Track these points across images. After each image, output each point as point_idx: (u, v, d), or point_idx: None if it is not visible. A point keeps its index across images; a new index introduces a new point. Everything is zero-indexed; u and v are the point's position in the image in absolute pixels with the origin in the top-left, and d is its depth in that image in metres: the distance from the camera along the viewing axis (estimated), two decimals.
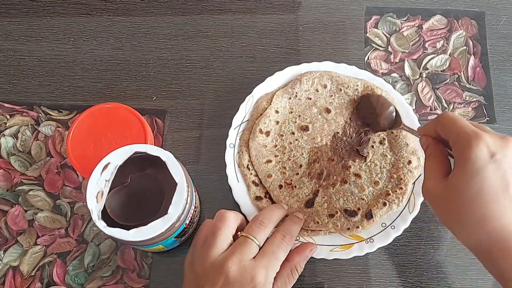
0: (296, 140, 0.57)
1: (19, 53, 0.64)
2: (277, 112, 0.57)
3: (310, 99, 0.58)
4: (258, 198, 0.55)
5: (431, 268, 0.55)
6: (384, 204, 0.53)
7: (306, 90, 0.58)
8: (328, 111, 0.57)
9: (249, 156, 0.56)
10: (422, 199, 0.54)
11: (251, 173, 0.56)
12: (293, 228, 0.50)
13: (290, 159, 0.56)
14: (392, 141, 0.56)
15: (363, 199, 0.54)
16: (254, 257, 0.45)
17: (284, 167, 0.56)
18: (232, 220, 0.46)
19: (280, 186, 0.55)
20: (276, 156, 0.56)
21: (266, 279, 0.44)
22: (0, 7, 0.67)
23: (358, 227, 0.53)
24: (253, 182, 0.56)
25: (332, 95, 0.58)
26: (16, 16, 0.66)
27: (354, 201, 0.54)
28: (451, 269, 0.55)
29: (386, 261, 0.55)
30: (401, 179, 0.54)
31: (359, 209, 0.54)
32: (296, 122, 0.57)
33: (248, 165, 0.56)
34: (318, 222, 0.53)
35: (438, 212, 0.43)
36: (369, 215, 0.53)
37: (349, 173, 0.55)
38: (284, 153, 0.56)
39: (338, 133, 0.57)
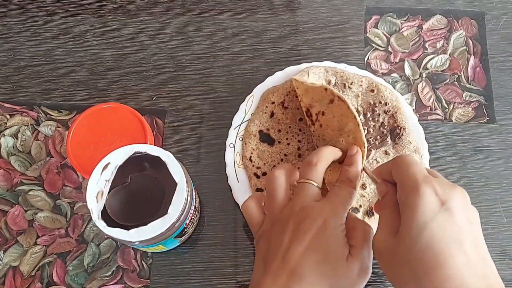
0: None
1: (19, 53, 0.64)
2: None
3: None
4: (258, 190, 0.55)
5: None
6: None
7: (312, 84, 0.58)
8: None
9: (252, 148, 0.56)
10: None
11: (253, 165, 0.56)
12: (352, 170, 0.45)
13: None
14: (396, 138, 0.56)
15: (364, 197, 0.54)
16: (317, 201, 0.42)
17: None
18: (281, 175, 0.44)
19: None
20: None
21: (336, 216, 0.40)
22: (0, 7, 0.67)
23: None
24: (255, 174, 0.56)
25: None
26: (16, 16, 0.66)
27: (355, 199, 0.54)
28: None
29: None
30: None
31: (360, 206, 0.54)
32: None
33: (250, 157, 0.56)
34: None
35: (387, 268, 0.39)
36: (370, 213, 0.53)
37: None
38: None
39: None
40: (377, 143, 0.56)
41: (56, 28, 0.65)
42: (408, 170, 0.38)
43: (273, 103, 0.57)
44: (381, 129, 0.56)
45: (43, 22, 0.66)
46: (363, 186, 0.54)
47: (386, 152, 0.55)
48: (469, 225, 0.37)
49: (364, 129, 0.56)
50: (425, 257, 0.35)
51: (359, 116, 0.56)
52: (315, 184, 0.43)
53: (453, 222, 0.36)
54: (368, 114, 0.57)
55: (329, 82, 0.58)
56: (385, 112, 0.56)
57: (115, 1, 0.67)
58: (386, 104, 0.56)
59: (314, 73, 0.58)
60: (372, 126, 0.56)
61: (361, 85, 0.58)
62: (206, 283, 0.54)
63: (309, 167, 0.44)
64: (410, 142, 0.55)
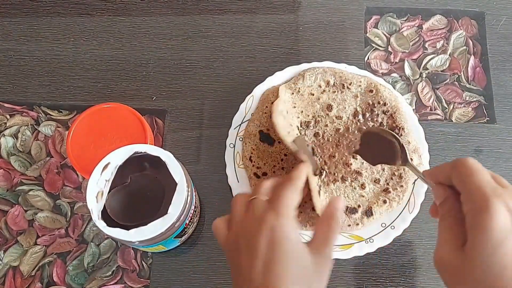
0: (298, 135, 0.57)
1: (19, 53, 0.64)
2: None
3: (313, 94, 0.58)
4: None
5: (431, 268, 0.55)
6: (384, 201, 0.54)
7: (309, 86, 0.58)
8: (330, 107, 0.57)
9: (252, 148, 0.56)
10: (422, 199, 0.54)
11: (253, 165, 0.56)
12: (295, 173, 0.44)
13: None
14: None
15: (363, 196, 0.54)
16: None
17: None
18: (241, 196, 0.44)
19: None
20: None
21: (281, 219, 0.40)
22: (0, 7, 0.67)
23: (358, 224, 0.53)
24: (255, 174, 0.56)
25: (335, 91, 0.58)
26: (16, 16, 0.66)
27: (354, 198, 0.54)
28: None
29: (386, 261, 0.55)
30: (402, 177, 0.54)
31: (359, 206, 0.54)
32: (298, 117, 0.57)
33: (250, 157, 0.56)
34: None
35: (452, 284, 0.37)
36: (369, 213, 0.53)
37: (350, 170, 0.55)
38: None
39: (340, 129, 0.57)
40: None
41: (56, 28, 0.65)
42: (474, 180, 0.36)
43: (273, 103, 0.57)
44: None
45: (43, 22, 0.66)
46: (363, 186, 0.54)
47: None
48: None
49: (363, 129, 0.56)
50: (501, 279, 0.33)
51: (357, 117, 0.56)
52: (262, 198, 0.42)
53: None
54: (367, 114, 0.57)
55: (327, 83, 0.58)
56: (384, 112, 0.57)
57: (115, 1, 0.67)
58: (385, 104, 0.57)
59: (311, 75, 0.58)
60: (371, 126, 0.56)
61: (360, 86, 0.58)
62: (206, 283, 0.54)
63: (256, 187, 0.44)
64: (409, 142, 0.55)
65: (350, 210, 0.53)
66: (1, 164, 0.59)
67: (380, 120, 0.56)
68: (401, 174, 0.54)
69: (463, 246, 0.36)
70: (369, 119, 0.57)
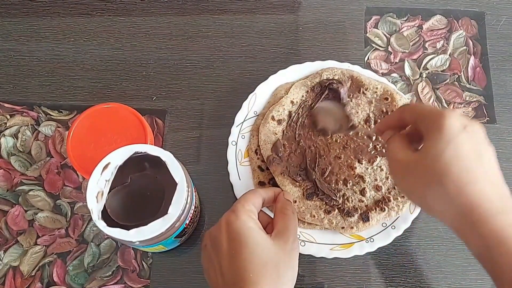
0: (308, 132, 0.57)
1: (19, 53, 0.64)
2: (292, 102, 0.57)
3: None
4: (261, 183, 0.55)
5: (431, 268, 0.55)
6: (383, 209, 0.53)
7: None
8: None
9: (258, 140, 0.56)
10: None
11: (258, 158, 0.56)
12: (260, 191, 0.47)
13: (297, 150, 0.56)
14: None
15: (362, 202, 0.54)
16: None
17: (290, 156, 0.56)
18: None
19: (283, 173, 0.55)
20: (284, 145, 0.56)
21: (236, 212, 0.42)
22: (0, 7, 0.67)
23: (352, 227, 0.53)
24: (259, 167, 0.56)
25: (350, 94, 0.58)
26: (16, 16, 0.66)
27: (353, 202, 0.54)
28: (451, 269, 0.55)
29: (386, 261, 0.55)
30: None
31: (356, 210, 0.54)
32: (310, 115, 0.57)
33: (256, 150, 0.56)
34: (314, 216, 0.53)
35: (410, 180, 0.41)
36: (365, 218, 0.53)
37: (354, 174, 0.55)
38: (292, 143, 0.56)
39: (350, 132, 0.56)
40: (383, 150, 0.55)
41: (56, 28, 0.65)
42: (424, 106, 0.42)
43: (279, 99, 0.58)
44: None
45: (43, 22, 0.66)
46: (363, 191, 0.54)
47: None
48: (487, 146, 0.40)
49: (373, 136, 0.56)
50: (452, 170, 0.37)
51: (368, 123, 0.56)
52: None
53: (474, 141, 0.38)
54: (379, 121, 0.56)
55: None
56: None
57: (115, 1, 0.67)
58: None
59: (328, 75, 0.58)
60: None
61: (375, 92, 0.57)
62: (206, 283, 0.54)
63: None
64: None
65: (347, 213, 0.53)
66: (1, 164, 0.59)
67: None
68: None
69: (413, 151, 0.41)
70: None
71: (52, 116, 0.61)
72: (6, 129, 0.61)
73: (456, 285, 0.55)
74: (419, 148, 0.41)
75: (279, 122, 0.57)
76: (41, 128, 0.61)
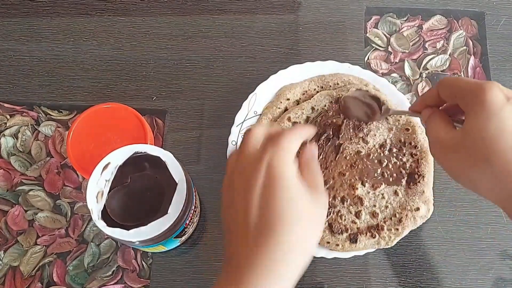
0: (321, 141, 0.55)
1: (19, 53, 0.64)
2: (313, 109, 0.56)
3: None
4: None
5: (431, 268, 0.55)
6: (373, 236, 0.52)
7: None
8: (361, 128, 0.55)
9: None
10: None
11: None
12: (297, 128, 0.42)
13: None
14: (411, 183, 0.54)
15: (355, 223, 0.53)
16: None
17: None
18: (258, 129, 0.40)
19: None
20: None
21: (281, 154, 0.37)
22: (0, 7, 0.67)
23: (338, 245, 0.52)
24: None
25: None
26: (16, 16, 0.66)
27: (346, 221, 0.53)
28: (451, 269, 0.55)
29: (386, 261, 0.55)
30: (402, 221, 0.52)
31: (347, 230, 0.53)
32: (326, 125, 0.55)
33: None
34: None
35: (453, 160, 0.39)
36: (353, 239, 0.52)
37: (353, 194, 0.53)
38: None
39: (361, 152, 0.55)
40: (391, 179, 0.54)
41: (56, 28, 0.65)
42: (464, 81, 0.39)
43: (288, 99, 0.57)
44: (400, 169, 0.54)
45: (43, 22, 0.66)
46: (359, 214, 0.53)
47: (395, 192, 0.54)
48: None
49: (384, 161, 0.54)
50: (498, 147, 0.36)
51: (383, 148, 0.55)
52: (258, 134, 0.40)
53: None
54: (394, 150, 0.55)
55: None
56: (412, 155, 0.54)
57: (115, 1, 0.67)
58: (415, 147, 0.54)
59: (355, 90, 0.55)
60: (393, 162, 0.54)
61: (398, 120, 0.56)
62: (206, 283, 0.54)
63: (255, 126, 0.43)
64: (423, 192, 0.53)
65: (337, 230, 0.52)
66: (1, 164, 0.59)
67: (404, 160, 0.54)
68: (401, 218, 0.52)
69: (455, 128, 0.40)
70: (395, 155, 0.55)
71: (52, 116, 0.61)
72: (6, 129, 0.61)
73: (456, 285, 0.55)
74: (462, 126, 0.39)
75: (294, 124, 0.55)
76: (41, 128, 0.61)
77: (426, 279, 0.55)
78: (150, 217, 0.44)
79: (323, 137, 0.55)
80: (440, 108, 0.43)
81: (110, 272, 0.55)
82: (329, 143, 0.55)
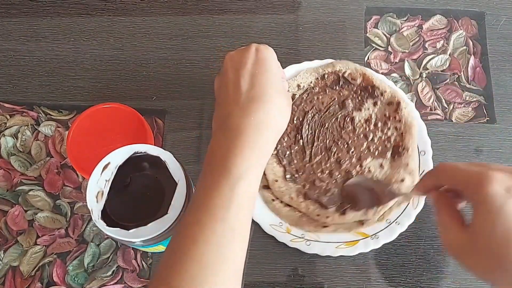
0: (306, 118, 0.57)
1: (19, 53, 0.64)
2: (298, 86, 0.58)
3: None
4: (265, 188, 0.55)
5: (431, 268, 0.55)
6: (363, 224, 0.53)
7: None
8: (344, 104, 0.57)
9: None
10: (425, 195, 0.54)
11: None
12: None
13: (291, 132, 0.56)
14: (396, 156, 0.55)
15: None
16: None
17: (283, 137, 0.56)
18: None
19: None
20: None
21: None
22: (0, 7, 0.67)
23: (328, 217, 0.53)
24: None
25: (357, 91, 0.58)
26: (16, 16, 0.66)
27: (332, 195, 0.54)
28: (451, 269, 0.55)
29: (386, 261, 0.55)
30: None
31: (335, 203, 0.53)
32: (312, 102, 0.57)
33: None
34: (292, 198, 0.53)
35: (470, 264, 0.39)
36: (342, 211, 0.53)
37: (341, 168, 0.55)
38: (289, 124, 0.56)
39: (348, 127, 0.56)
40: (376, 153, 0.55)
41: (56, 28, 0.65)
42: (462, 170, 0.39)
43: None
44: (385, 142, 0.55)
45: (43, 22, 0.66)
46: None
47: (381, 165, 0.55)
48: None
49: (369, 135, 0.56)
50: (510, 251, 0.35)
51: (368, 123, 0.56)
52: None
53: None
54: (379, 124, 0.56)
55: (354, 80, 0.58)
56: (396, 129, 0.56)
57: (115, 1, 0.67)
58: (399, 121, 0.56)
59: (342, 67, 0.58)
60: (378, 136, 0.56)
61: (383, 95, 0.57)
62: None
63: None
64: (407, 164, 0.54)
65: (326, 203, 0.53)
66: (1, 164, 0.59)
67: (389, 134, 0.56)
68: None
69: (464, 226, 0.39)
70: (379, 129, 0.56)
71: (52, 116, 0.61)
72: (6, 129, 0.61)
73: (456, 285, 0.54)
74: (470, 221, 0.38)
75: None
76: (41, 128, 0.61)
77: (426, 279, 0.55)
78: (150, 217, 0.44)
79: (309, 114, 0.56)
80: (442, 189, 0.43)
81: (110, 272, 0.55)
82: (315, 119, 0.56)
